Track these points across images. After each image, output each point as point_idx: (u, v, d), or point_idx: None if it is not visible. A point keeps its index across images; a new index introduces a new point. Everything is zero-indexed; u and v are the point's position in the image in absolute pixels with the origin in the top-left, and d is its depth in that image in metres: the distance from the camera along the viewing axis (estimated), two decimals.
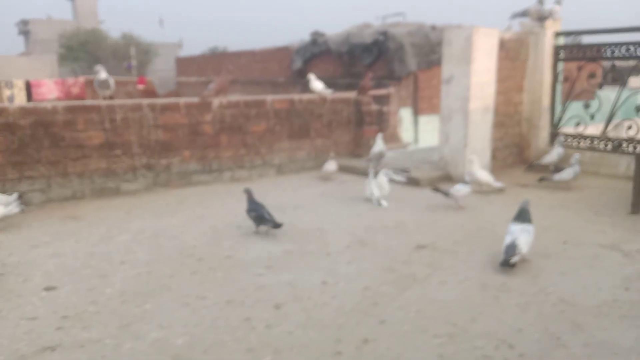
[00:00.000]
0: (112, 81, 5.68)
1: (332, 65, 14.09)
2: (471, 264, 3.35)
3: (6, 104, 7.01)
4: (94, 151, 5.14)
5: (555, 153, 5.61)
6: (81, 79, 17.69)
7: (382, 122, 7.65)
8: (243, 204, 4.84)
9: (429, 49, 11.68)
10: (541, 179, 5.33)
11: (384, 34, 12.10)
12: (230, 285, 3.04)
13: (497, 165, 6.08)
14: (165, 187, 5.52)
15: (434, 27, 12.36)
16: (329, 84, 12.14)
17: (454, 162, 5.59)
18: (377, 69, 12.50)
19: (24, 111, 4.79)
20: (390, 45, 11.82)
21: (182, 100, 5.66)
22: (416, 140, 12.06)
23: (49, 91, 16.53)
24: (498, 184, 5.15)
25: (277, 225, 3.85)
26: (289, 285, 3.03)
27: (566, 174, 5.13)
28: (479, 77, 5.38)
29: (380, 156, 5.79)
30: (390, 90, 11.72)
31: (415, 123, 12.12)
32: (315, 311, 2.71)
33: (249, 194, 4.04)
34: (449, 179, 5.54)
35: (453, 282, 3.08)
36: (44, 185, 4.91)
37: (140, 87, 18.98)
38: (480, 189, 5.13)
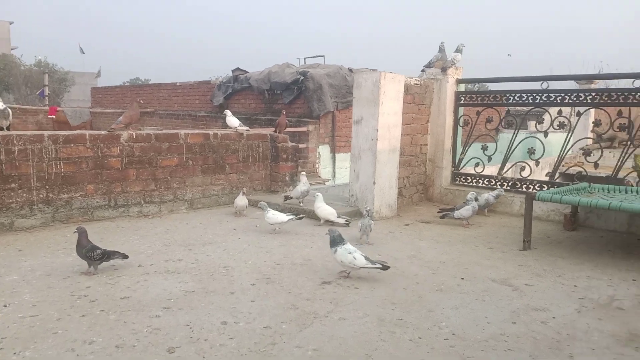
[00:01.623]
0: (9, 111, 5.37)
1: (254, 101, 14.20)
2: (372, 299, 3.43)
3: None
4: None
5: (468, 208, 5.47)
6: None
7: (298, 159, 7.76)
8: (149, 240, 4.72)
9: (347, 90, 12.11)
10: (443, 216, 5.64)
11: (304, 74, 12.42)
12: (122, 328, 2.90)
13: (404, 202, 6.36)
14: (66, 223, 5.23)
15: (351, 70, 12.87)
16: (250, 120, 12.31)
17: (364, 199, 5.77)
18: (297, 107, 12.76)
19: None
20: (309, 85, 12.13)
21: (88, 133, 5.44)
22: (334, 176, 12.32)
23: None
24: (341, 220, 5.32)
25: (126, 256, 3.89)
26: (186, 326, 2.94)
27: (464, 211, 5.44)
28: (386, 119, 5.65)
29: (305, 194, 5.94)
30: (309, 128, 11.96)
31: (333, 160, 12.41)
32: (211, 353, 2.64)
33: (83, 234, 3.77)
34: (360, 215, 5.68)
35: (353, 318, 3.13)
36: None
37: (52, 117, 18.10)
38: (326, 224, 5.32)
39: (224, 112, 6.96)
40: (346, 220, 5.38)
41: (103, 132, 5.56)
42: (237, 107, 14.49)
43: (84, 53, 30.21)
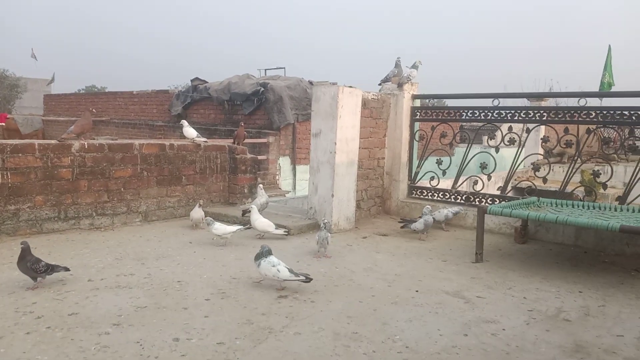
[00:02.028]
0: None
1: (213, 112, 14.06)
2: (328, 312, 3.43)
3: None
4: None
5: (422, 222, 5.58)
6: None
7: (257, 171, 7.73)
8: (101, 254, 4.57)
9: (307, 102, 12.16)
10: (403, 226, 5.79)
11: (264, 85, 12.41)
12: (69, 345, 2.79)
13: (362, 214, 6.42)
14: (12, 236, 5.01)
15: (311, 83, 12.96)
16: (210, 130, 12.18)
17: (322, 212, 5.79)
18: (258, 119, 12.71)
19: None
20: (270, 97, 12.12)
21: (37, 142, 5.26)
22: (294, 188, 12.32)
23: None
24: (279, 231, 5.37)
25: (67, 269, 3.81)
26: (137, 343, 2.86)
27: (419, 224, 5.55)
28: (344, 133, 5.71)
29: (264, 206, 5.92)
30: (270, 139, 11.94)
31: (294, 172, 12.41)
32: None
33: (26, 249, 3.65)
34: (318, 227, 5.69)
35: (308, 332, 3.12)
36: None
37: (1, 124, 17.43)
38: (262, 237, 5.38)
39: (181, 122, 6.87)
40: (285, 231, 5.42)
41: (53, 141, 5.38)
42: (197, 117, 14.32)
43: (37, 60, 29.16)
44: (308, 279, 3.80)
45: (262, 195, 5.97)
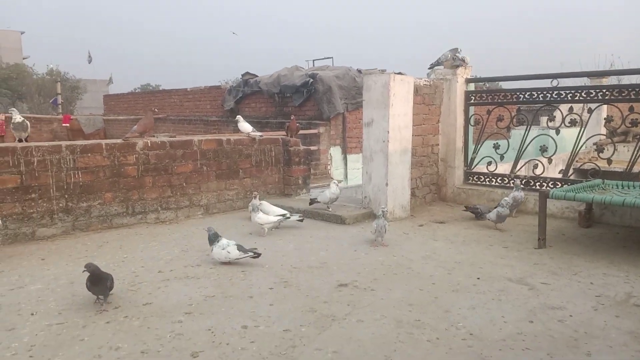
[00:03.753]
0: (27, 123, 5.51)
1: (264, 105, 14.28)
2: (388, 301, 3.47)
3: None
4: (7, 195, 4.90)
5: (495, 212, 5.40)
6: (1, 116, 16.86)
7: (310, 162, 7.82)
8: (167, 246, 4.80)
9: (356, 91, 12.13)
10: (479, 217, 5.74)
11: (313, 76, 12.47)
12: (146, 334, 2.97)
13: (417, 202, 6.39)
14: (85, 232, 5.34)
15: (360, 71, 12.90)
16: (261, 123, 12.39)
17: (377, 201, 5.81)
18: (307, 110, 12.80)
19: None
20: (319, 87, 12.17)
21: (104, 142, 5.55)
22: (346, 177, 12.35)
23: None
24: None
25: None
26: (208, 331, 3.01)
27: (492, 214, 5.34)
28: (396, 121, 5.69)
29: (333, 200, 5.97)
30: (320, 130, 12.01)
31: (345, 162, 12.43)
32: (233, 357, 2.70)
33: (96, 269, 3.35)
34: (373, 216, 5.73)
35: (370, 320, 3.18)
36: None
37: (66, 125, 18.36)
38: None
39: (236, 118, 7.04)
40: (297, 216, 5.49)
41: (119, 141, 5.66)
42: (248, 110, 14.58)
43: (90, 62, 30.48)
44: (257, 254, 4.18)
45: (333, 190, 5.88)
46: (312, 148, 11.21)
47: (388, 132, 5.62)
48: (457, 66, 6.56)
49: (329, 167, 12.20)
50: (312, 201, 6.07)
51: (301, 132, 10.89)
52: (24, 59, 44.96)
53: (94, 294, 3.37)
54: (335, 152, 12.31)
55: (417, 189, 6.39)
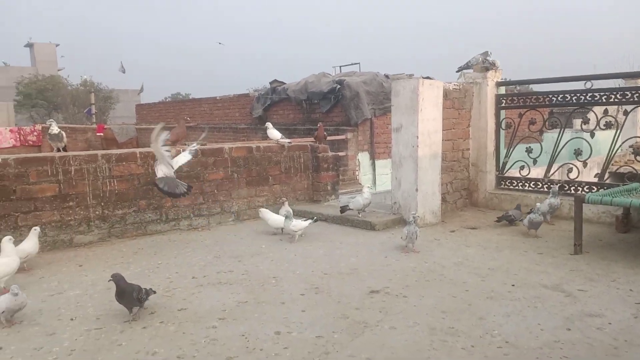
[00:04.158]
0: (63, 134, 5.70)
1: (292, 112, 14.38)
2: (421, 307, 3.45)
3: None
4: (46, 203, 5.07)
5: (527, 219, 5.25)
6: (38, 127, 17.40)
7: (339, 168, 7.84)
8: (200, 253, 4.88)
9: (384, 96, 12.11)
10: (506, 221, 5.63)
11: (340, 82, 12.50)
12: (181, 339, 3.03)
13: (448, 208, 6.32)
14: (121, 238, 5.47)
15: (387, 76, 12.87)
16: (289, 130, 12.48)
17: (407, 206, 5.77)
18: (335, 116, 12.84)
19: None
20: (346, 93, 12.20)
21: (139, 151, 5.69)
22: (375, 183, 12.31)
23: (4, 139, 16.19)
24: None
25: (154, 291, 3.55)
26: (242, 337, 3.05)
27: (526, 221, 5.22)
28: (426, 126, 5.65)
29: (366, 206, 5.93)
30: (348, 135, 12.02)
31: (373, 167, 12.40)
32: None
33: (122, 278, 3.34)
34: (403, 222, 5.69)
35: (403, 326, 3.16)
36: None
37: (100, 134, 18.84)
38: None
39: (265, 125, 7.12)
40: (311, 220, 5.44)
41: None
42: (276, 117, 14.71)
43: (124, 72, 31.25)
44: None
45: (366, 197, 5.87)
46: (340, 154, 11.23)
47: (417, 137, 5.59)
48: (487, 69, 6.48)
49: (357, 173, 12.19)
50: (344, 209, 6.01)
51: (329, 138, 10.94)
52: (58, 70, 46.49)
53: (125, 307, 3.35)
54: (363, 157, 12.29)
55: (447, 194, 6.33)
